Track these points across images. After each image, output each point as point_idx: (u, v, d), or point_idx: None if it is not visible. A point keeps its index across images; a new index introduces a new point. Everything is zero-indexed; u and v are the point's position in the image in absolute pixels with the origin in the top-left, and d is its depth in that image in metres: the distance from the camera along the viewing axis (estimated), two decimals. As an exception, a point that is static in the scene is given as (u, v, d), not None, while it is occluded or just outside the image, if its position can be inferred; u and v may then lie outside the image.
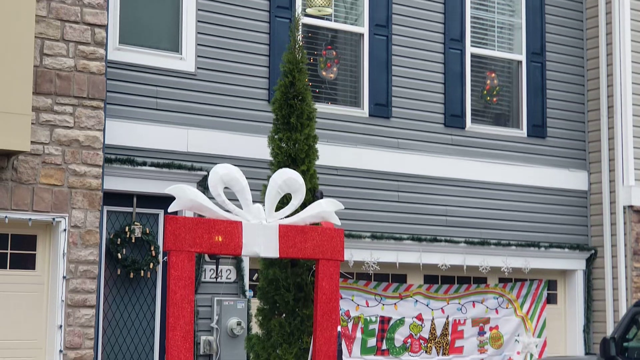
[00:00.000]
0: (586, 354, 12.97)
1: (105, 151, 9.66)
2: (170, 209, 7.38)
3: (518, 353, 12.40)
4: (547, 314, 13.13)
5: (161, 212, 10.47)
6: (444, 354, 12.26)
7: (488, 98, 13.22)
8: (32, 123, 9.01)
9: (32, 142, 8.98)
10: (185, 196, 7.41)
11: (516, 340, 12.60)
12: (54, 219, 9.18)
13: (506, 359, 12.58)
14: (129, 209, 10.42)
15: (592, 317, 13.32)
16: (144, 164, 10.37)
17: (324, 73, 11.98)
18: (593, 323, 13.30)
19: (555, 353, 12.99)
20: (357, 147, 11.89)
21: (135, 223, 10.34)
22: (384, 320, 11.92)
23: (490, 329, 12.63)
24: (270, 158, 9.29)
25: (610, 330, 12.63)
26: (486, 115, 13.18)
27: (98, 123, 9.46)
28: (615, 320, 12.84)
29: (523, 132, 13.25)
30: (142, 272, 10.29)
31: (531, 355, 7.69)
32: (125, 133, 10.31)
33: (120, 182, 10.21)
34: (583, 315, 13.31)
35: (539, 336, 12.87)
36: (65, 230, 9.20)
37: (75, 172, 9.30)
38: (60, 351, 9.08)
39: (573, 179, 13.52)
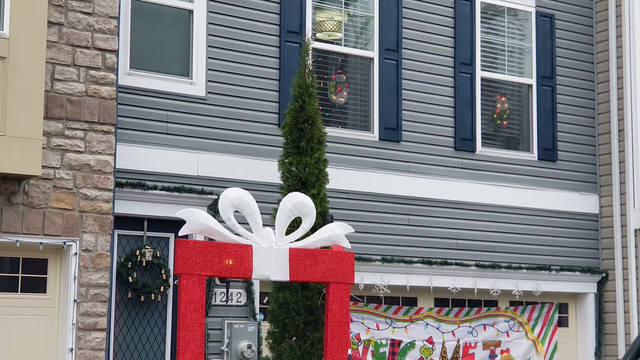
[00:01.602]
0: (598, 377, 12.92)
1: (116, 175, 9.70)
2: (181, 232, 7.41)
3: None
4: (558, 337, 13.07)
5: (172, 236, 10.50)
6: (454, 377, 12.22)
7: (498, 122, 13.23)
8: (43, 147, 9.07)
9: (43, 167, 9.02)
10: (196, 220, 7.44)
11: (527, 363, 12.57)
12: (65, 242, 9.22)
13: (517, 382, 12.56)
14: (140, 233, 10.45)
15: (604, 340, 13.25)
16: (155, 187, 10.40)
17: (334, 97, 12.03)
18: (604, 346, 13.23)
19: (568, 377, 12.95)
20: (367, 171, 11.91)
21: (146, 247, 10.36)
22: (395, 344, 11.89)
23: (502, 352, 12.58)
24: (281, 182, 9.31)
25: (621, 353, 12.57)
26: (496, 139, 13.19)
27: (109, 147, 9.51)
28: (626, 344, 12.78)
29: (534, 155, 13.25)
30: (153, 295, 10.30)
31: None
32: (136, 157, 10.36)
33: (131, 206, 10.25)
34: (594, 339, 13.25)
35: (551, 359, 12.81)
36: (76, 254, 9.22)
37: (86, 196, 9.34)
38: (71, 375, 9.10)
39: (584, 202, 13.49)
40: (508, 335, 12.67)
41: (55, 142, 9.25)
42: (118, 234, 10.24)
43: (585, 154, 13.62)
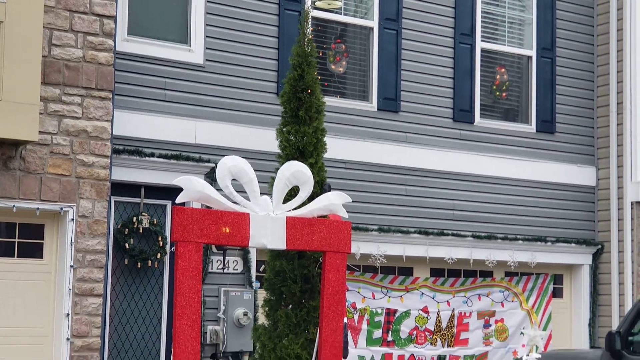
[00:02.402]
0: (591, 347, 12.97)
1: (113, 142, 9.69)
2: (178, 200, 7.41)
3: (523, 346, 12.41)
4: (552, 308, 13.13)
5: (169, 203, 10.51)
6: (449, 345, 12.28)
7: (497, 93, 13.21)
8: (41, 113, 9.05)
9: (40, 132, 9.01)
10: (193, 187, 7.44)
11: (521, 333, 12.61)
12: (61, 208, 9.22)
13: (511, 351, 12.60)
14: (137, 200, 10.45)
15: (598, 311, 13.32)
16: (152, 155, 10.39)
17: (333, 66, 11.99)
18: (599, 317, 13.31)
19: (561, 346, 13.00)
20: (365, 141, 11.90)
21: (143, 213, 10.37)
22: (390, 313, 11.94)
23: (496, 321, 12.64)
24: (279, 151, 9.30)
25: (615, 324, 12.63)
26: (495, 111, 13.17)
27: (106, 114, 9.49)
28: (620, 315, 12.84)
29: (532, 127, 13.24)
30: (150, 262, 10.33)
31: (536, 348, 7.70)
32: (133, 124, 10.34)
33: (128, 173, 10.24)
34: (589, 309, 13.32)
35: (545, 329, 12.88)
36: (73, 219, 9.24)
37: (83, 163, 9.33)
38: (68, 339, 9.13)
39: (581, 175, 13.51)
40: (503, 305, 12.73)
41: (52, 107, 9.22)
42: (115, 201, 10.25)
43: (584, 126, 13.62)
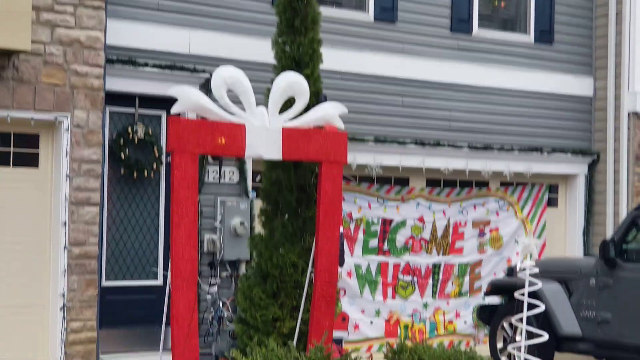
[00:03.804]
0: (585, 255, 13.13)
1: (106, 51, 9.59)
2: (173, 110, 7.38)
3: (517, 254, 12.53)
4: (548, 217, 13.23)
5: (164, 114, 10.47)
6: (444, 254, 12.40)
7: (495, 3, 13.06)
8: (33, 22, 8.93)
9: (33, 42, 8.92)
10: (188, 98, 7.41)
11: (516, 241, 12.74)
12: (56, 118, 9.19)
13: (505, 259, 12.74)
14: (132, 110, 10.40)
15: (593, 220, 13.42)
16: (146, 65, 10.30)
17: (328, -26, 11.81)
18: (593, 226, 13.41)
19: (555, 254, 13.14)
20: (361, 52, 11.80)
21: (138, 124, 10.34)
22: (386, 222, 12.02)
23: (490, 230, 12.75)
24: (274, 61, 9.22)
25: (610, 233, 12.74)
26: (493, 20, 13.04)
27: (99, 23, 9.38)
28: (615, 224, 12.95)
29: (530, 37, 13.13)
30: (146, 172, 10.33)
31: (530, 256, 7.80)
32: (126, 34, 10.21)
33: (122, 83, 10.16)
34: (583, 219, 13.42)
35: (539, 238, 13.01)
36: (67, 129, 9.22)
37: (76, 72, 9.26)
38: (65, 247, 9.20)
39: (578, 85, 13.45)
40: (497, 214, 12.81)
41: (44, 16, 9.11)
42: (110, 111, 10.20)
43: (582, 36, 13.50)
